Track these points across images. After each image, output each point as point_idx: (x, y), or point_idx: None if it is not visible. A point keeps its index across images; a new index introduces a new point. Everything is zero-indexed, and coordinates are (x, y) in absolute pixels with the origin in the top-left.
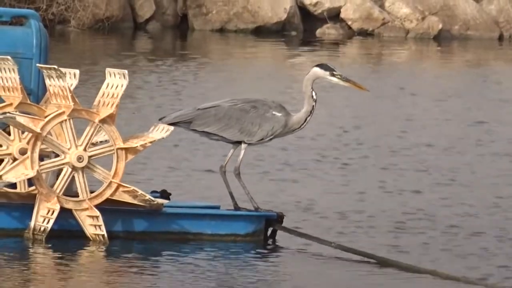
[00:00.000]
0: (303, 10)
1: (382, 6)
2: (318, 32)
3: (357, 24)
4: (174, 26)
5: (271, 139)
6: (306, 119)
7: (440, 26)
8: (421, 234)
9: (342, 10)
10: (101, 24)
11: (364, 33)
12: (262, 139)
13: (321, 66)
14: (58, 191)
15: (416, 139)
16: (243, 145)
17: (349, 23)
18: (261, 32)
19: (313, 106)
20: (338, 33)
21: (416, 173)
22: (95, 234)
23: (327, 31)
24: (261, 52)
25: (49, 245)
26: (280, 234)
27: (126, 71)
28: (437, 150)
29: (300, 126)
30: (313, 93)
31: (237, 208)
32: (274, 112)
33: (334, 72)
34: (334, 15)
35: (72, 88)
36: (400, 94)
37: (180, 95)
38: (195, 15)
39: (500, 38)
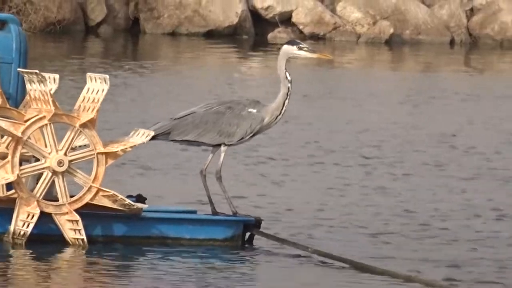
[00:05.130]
0: (255, 14)
1: (333, 11)
2: (270, 36)
3: (309, 28)
4: (126, 30)
5: (252, 137)
6: (284, 103)
7: (392, 30)
8: (398, 238)
9: (293, 14)
10: (52, 27)
11: (316, 37)
12: (242, 138)
13: (288, 42)
14: (38, 195)
15: (382, 143)
16: (222, 148)
17: (301, 27)
18: (213, 35)
19: (288, 87)
20: (290, 37)
21: (393, 177)
22: (74, 238)
23: (279, 35)
24: (213, 56)
25: (29, 249)
26: (258, 239)
27: (107, 76)
28: (401, 153)
29: (281, 112)
30: (287, 74)
31: (215, 213)
32: (249, 110)
33: (301, 45)
34: (286, 19)
35: (52, 93)
36: (350, 98)
37: (131, 99)
38: (146, 19)
39: (451, 42)
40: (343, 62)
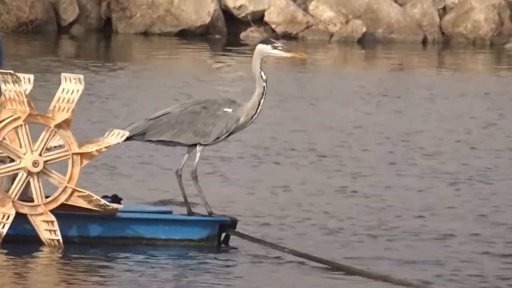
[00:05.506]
0: (227, 14)
1: (306, 10)
2: (242, 35)
3: (281, 27)
4: (98, 30)
5: (227, 136)
6: (259, 102)
7: (364, 29)
8: (371, 239)
9: (266, 13)
10: (25, 27)
11: (288, 36)
12: (218, 137)
13: (263, 41)
14: (13, 196)
15: (351, 142)
16: (198, 148)
17: (273, 26)
18: (185, 35)
19: (264, 87)
20: (262, 37)
21: (366, 176)
22: (50, 239)
23: (251, 34)
24: (185, 55)
25: (4, 250)
26: (233, 239)
27: (82, 76)
28: (377, 151)
29: (256, 111)
30: (262, 73)
31: (191, 213)
32: (225, 109)
33: (276, 45)
34: (258, 19)
35: (27, 93)
36: (319, 97)
37: (105, 99)
38: (119, 19)
39: (424, 41)
40: (316, 61)
